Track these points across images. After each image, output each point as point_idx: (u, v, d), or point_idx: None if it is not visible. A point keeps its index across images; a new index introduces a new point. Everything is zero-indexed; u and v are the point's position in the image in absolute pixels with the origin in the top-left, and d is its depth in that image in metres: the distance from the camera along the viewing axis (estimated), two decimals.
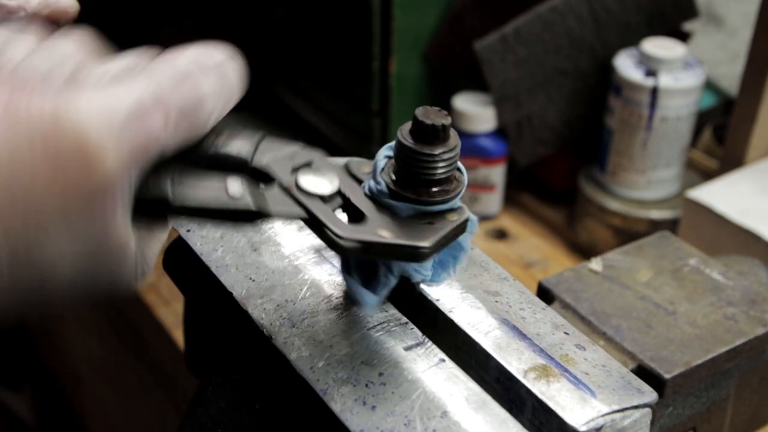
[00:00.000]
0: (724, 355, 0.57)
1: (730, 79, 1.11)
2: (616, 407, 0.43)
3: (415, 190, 0.43)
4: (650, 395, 0.44)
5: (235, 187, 0.41)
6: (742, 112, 0.90)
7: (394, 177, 0.44)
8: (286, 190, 0.42)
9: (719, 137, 1.06)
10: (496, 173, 1.02)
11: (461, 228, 0.44)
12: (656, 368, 0.55)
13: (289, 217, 0.42)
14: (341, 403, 0.42)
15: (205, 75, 0.39)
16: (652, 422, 0.44)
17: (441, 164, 0.43)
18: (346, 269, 0.46)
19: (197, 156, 0.42)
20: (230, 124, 0.44)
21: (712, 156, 1.05)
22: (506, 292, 0.49)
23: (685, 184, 0.98)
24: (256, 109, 0.47)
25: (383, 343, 0.45)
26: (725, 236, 0.84)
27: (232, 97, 0.41)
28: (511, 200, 1.07)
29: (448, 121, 0.43)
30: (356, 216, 0.43)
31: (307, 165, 0.44)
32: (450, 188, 0.44)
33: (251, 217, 0.41)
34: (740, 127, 0.90)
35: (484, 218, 1.04)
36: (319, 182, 0.43)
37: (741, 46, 1.08)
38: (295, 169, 0.43)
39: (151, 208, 0.40)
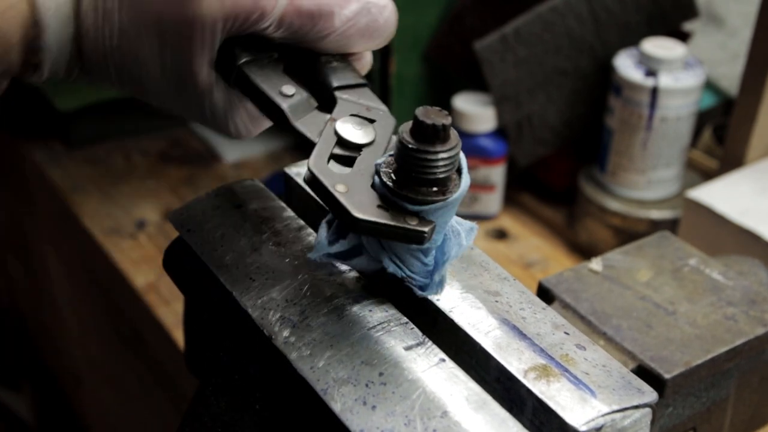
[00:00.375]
0: (724, 355, 0.57)
1: (730, 79, 1.11)
2: (616, 407, 0.43)
3: (414, 190, 0.43)
4: (650, 395, 0.44)
5: (289, 89, 0.47)
6: (742, 112, 0.90)
7: (394, 176, 0.44)
8: (326, 121, 0.46)
9: (719, 137, 1.06)
10: (496, 173, 1.02)
11: (413, 235, 0.43)
12: (656, 368, 0.55)
13: (302, 136, 0.46)
14: (341, 403, 0.42)
15: (349, 2, 0.46)
16: (652, 422, 0.44)
17: (441, 164, 0.43)
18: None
19: (301, 62, 0.47)
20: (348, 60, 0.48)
21: (712, 156, 1.05)
22: (506, 292, 0.49)
23: (685, 184, 0.98)
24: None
25: (383, 343, 0.45)
26: (725, 236, 0.84)
27: (371, 34, 0.47)
28: (511, 200, 1.07)
29: (448, 120, 0.43)
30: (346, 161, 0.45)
31: (369, 120, 0.46)
32: (450, 187, 0.44)
33: (278, 117, 0.46)
34: (740, 127, 0.90)
35: (484, 218, 1.04)
36: (354, 131, 0.45)
37: (741, 46, 1.08)
38: (353, 115, 0.46)
39: (223, 63, 0.46)
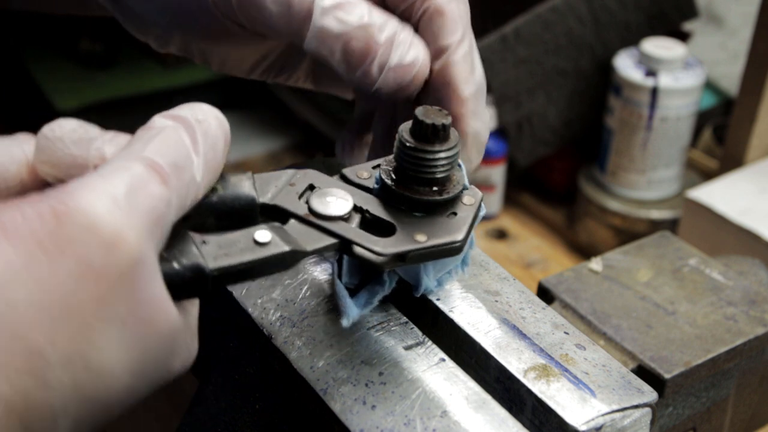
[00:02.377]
0: (724, 355, 0.57)
1: (730, 79, 1.11)
2: (616, 407, 0.43)
3: (414, 189, 0.43)
4: (650, 395, 0.44)
5: (261, 234, 0.39)
6: (742, 112, 0.90)
7: (393, 176, 0.44)
8: (305, 221, 0.41)
9: (719, 137, 1.06)
10: (496, 173, 1.02)
11: (479, 209, 0.44)
12: (656, 368, 0.55)
13: (323, 250, 0.41)
14: (341, 403, 0.42)
15: (183, 130, 0.38)
16: (652, 422, 0.44)
17: (441, 163, 0.43)
18: (338, 275, 0.46)
19: (206, 212, 0.41)
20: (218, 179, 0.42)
21: (712, 156, 1.05)
22: (506, 291, 0.49)
23: (685, 184, 0.98)
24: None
25: (383, 343, 0.45)
26: (725, 236, 0.84)
27: (217, 148, 0.40)
28: (511, 200, 1.07)
29: (448, 120, 0.43)
30: (381, 226, 0.42)
31: (311, 187, 0.43)
32: (449, 187, 0.44)
33: (290, 259, 0.40)
34: (740, 127, 0.90)
35: (484, 218, 1.04)
36: (333, 203, 0.42)
37: (741, 46, 1.08)
38: (301, 196, 0.42)
39: (187, 281, 0.38)
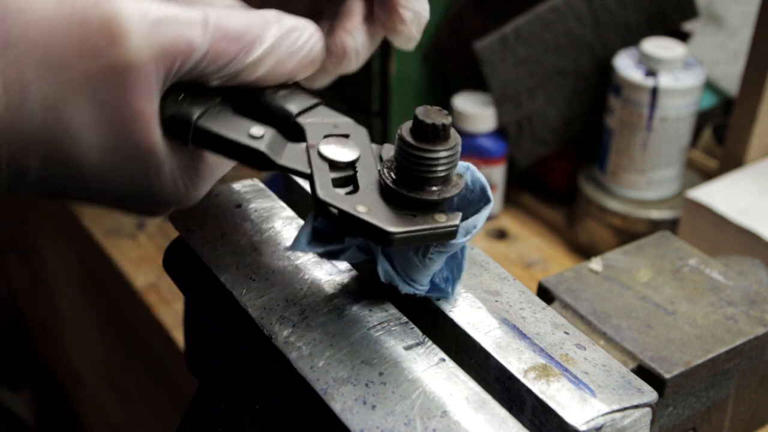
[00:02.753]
0: (724, 355, 0.57)
1: (730, 79, 1.11)
2: (616, 407, 0.43)
3: (414, 188, 0.43)
4: (650, 395, 0.44)
5: (257, 130, 0.44)
6: (742, 112, 0.90)
7: (393, 176, 0.44)
8: (306, 149, 0.44)
9: (719, 137, 1.06)
10: (496, 173, 1.02)
11: (446, 233, 0.43)
12: (656, 368, 0.55)
13: (292, 171, 0.44)
14: (341, 403, 0.42)
15: (269, 26, 0.43)
16: (652, 422, 0.44)
17: (441, 163, 0.43)
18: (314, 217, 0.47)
19: (249, 101, 0.45)
20: (294, 86, 0.46)
21: (712, 156, 1.05)
22: (506, 291, 0.49)
23: (685, 184, 0.98)
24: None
25: (383, 343, 0.45)
26: (725, 236, 0.84)
27: (297, 58, 0.44)
28: (511, 200, 1.07)
29: (448, 120, 0.43)
30: (354, 188, 0.44)
31: (343, 136, 0.45)
32: (449, 187, 0.44)
33: (259, 160, 0.43)
34: (740, 127, 0.90)
35: None
36: (339, 151, 0.44)
37: (741, 46, 1.08)
38: (327, 136, 0.45)
39: (174, 125, 0.43)
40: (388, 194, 0.44)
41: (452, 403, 0.42)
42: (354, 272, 0.49)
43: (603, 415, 0.42)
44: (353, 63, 0.53)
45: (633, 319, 0.58)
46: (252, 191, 0.56)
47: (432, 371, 0.44)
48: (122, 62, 0.39)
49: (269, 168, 0.44)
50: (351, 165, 0.44)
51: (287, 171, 0.44)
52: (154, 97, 0.41)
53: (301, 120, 0.45)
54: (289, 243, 0.52)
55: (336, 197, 0.42)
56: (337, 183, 0.44)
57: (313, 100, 0.47)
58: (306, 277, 0.49)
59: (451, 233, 0.43)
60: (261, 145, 0.43)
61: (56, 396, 1.65)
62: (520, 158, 1.02)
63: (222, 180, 0.51)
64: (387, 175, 0.44)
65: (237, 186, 0.56)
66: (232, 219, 0.53)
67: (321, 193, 0.42)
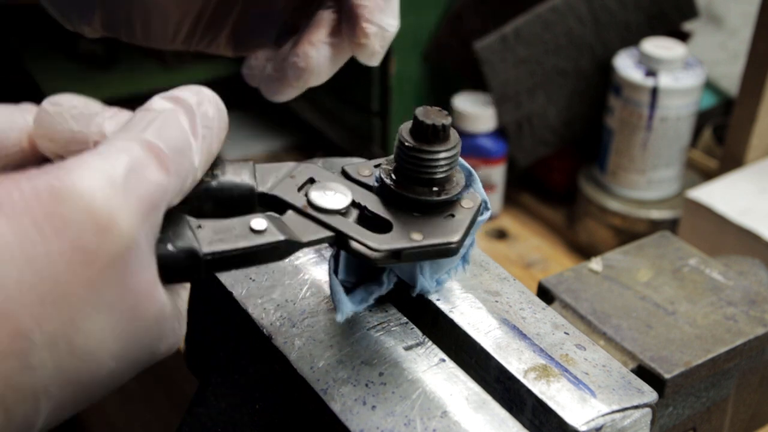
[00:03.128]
0: (724, 355, 0.57)
1: (730, 79, 1.11)
2: (616, 407, 0.43)
3: (414, 189, 0.43)
4: (650, 395, 0.44)
5: (258, 222, 0.39)
6: (742, 112, 0.90)
7: (393, 176, 0.44)
8: (302, 213, 0.41)
9: (719, 137, 1.06)
10: (496, 173, 1.02)
11: (478, 212, 0.44)
12: (656, 368, 0.55)
13: (318, 242, 0.41)
14: (341, 403, 0.42)
15: (183, 113, 0.38)
16: (652, 422, 0.44)
17: (441, 164, 0.43)
18: (335, 270, 0.46)
19: (204, 197, 0.40)
20: (218, 160, 0.42)
21: (712, 156, 1.05)
22: (506, 292, 0.49)
23: (685, 184, 0.98)
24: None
25: (383, 343, 0.45)
26: (725, 236, 0.84)
27: (214, 132, 0.40)
28: (511, 200, 1.07)
29: (448, 120, 0.43)
30: (379, 224, 0.42)
31: (311, 181, 0.43)
32: (450, 187, 0.44)
33: (284, 249, 0.40)
34: (740, 127, 0.90)
35: None
36: (332, 197, 0.42)
37: (741, 46, 1.08)
38: (301, 188, 0.42)
39: (181, 264, 0.37)
40: (388, 198, 0.44)
41: (452, 404, 0.42)
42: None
43: (603, 415, 0.42)
44: (315, 76, 0.51)
45: (633, 319, 0.58)
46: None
47: (432, 372, 0.44)
48: (119, 246, 0.34)
49: (292, 253, 0.40)
50: (352, 203, 0.43)
51: (314, 244, 0.41)
52: (152, 261, 0.36)
53: (262, 188, 0.42)
54: None
55: (389, 240, 0.41)
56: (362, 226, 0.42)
57: (248, 164, 0.43)
58: (306, 277, 0.49)
59: (455, 249, 0.43)
60: (277, 236, 0.39)
61: None
62: (520, 158, 1.02)
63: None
64: (387, 175, 0.44)
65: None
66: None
67: (375, 245, 0.41)
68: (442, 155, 0.43)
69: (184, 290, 0.40)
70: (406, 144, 0.43)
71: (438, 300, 0.48)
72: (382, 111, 1.00)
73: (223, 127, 0.40)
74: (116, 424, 1.35)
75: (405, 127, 0.43)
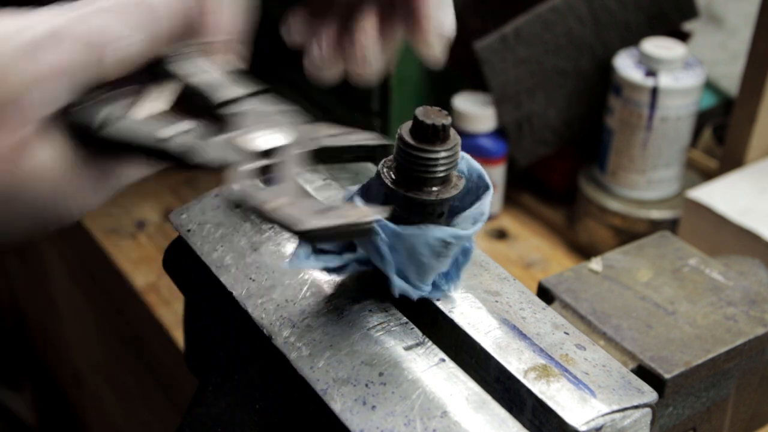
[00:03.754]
0: (724, 355, 0.57)
1: (730, 79, 1.11)
2: (616, 407, 0.43)
3: (413, 189, 0.43)
4: (650, 395, 0.44)
5: (167, 131, 0.40)
6: (742, 112, 0.90)
7: (393, 176, 0.44)
8: (228, 142, 0.40)
9: (719, 137, 1.06)
10: (496, 173, 1.02)
11: (363, 230, 0.41)
12: (656, 368, 0.55)
13: (207, 168, 0.40)
14: (341, 403, 0.42)
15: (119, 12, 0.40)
16: (652, 422, 0.44)
17: (441, 163, 0.43)
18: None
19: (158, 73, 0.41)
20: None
21: (712, 156, 1.05)
22: (506, 292, 0.49)
23: (685, 184, 0.98)
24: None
25: (383, 343, 0.45)
26: (725, 236, 0.84)
27: (156, 29, 0.41)
28: (511, 200, 1.07)
29: (448, 120, 0.43)
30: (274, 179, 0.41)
31: (272, 124, 0.41)
32: (448, 187, 0.44)
33: (171, 160, 0.40)
34: (740, 127, 0.90)
35: None
36: (261, 139, 0.41)
37: (741, 46, 1.08)
38: (253, 125, 0.41)
39: (76, 132, 0.40)
40: (388, 198, 0.44)
41: (452, 404, 0.42)
42: (354, 273, 0.49)
43: (603, 415, 0.42)
44: (370, 68, 0.52)
45: (633, 319, 0.58)
46: (251, 191, 0.55)
47: (432, 372, 0.44)
48: (4, 97, 0.38)
49: (187, 168, 0.41)
50: (271, 153, 0.41)
51: (203, 169, 0.40)
52: (32, 124, 0.39)
53: (225, 110, 0.41)
54: (288, 244, 0.52)
55: (247, 191, 0.39)
56: (257, 174, 0.40)
57: (258, 86, 0.43)
58: (306, 277, 0.49)
59: (369, 230, 0.42)
60: (175, 146, 0.40)
61: (56, 396, 1.65)
62: (520, 158, 1.02)
63: (222, 180, 0.50)
64: (387, 175, 0.44)
65: (237, 186, 0.56)
66: (231, 219, 0.53)
67: (235, 187, 0.39)
68: (442, 155, 0.43)
69: (125, 171, 0.43)
70: (406, 143, 0.43)
71: (438, 300, 0.48)
72: (382, 111, 1.00)
73: (166, 26, 0.41)
74: (116, 424, 1.36)
75: (405, 127, 0.44)
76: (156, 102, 0.41)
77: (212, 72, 0.42)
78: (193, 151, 0.40)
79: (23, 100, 0.38)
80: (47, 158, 0.40)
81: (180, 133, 0.40)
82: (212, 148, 0.40)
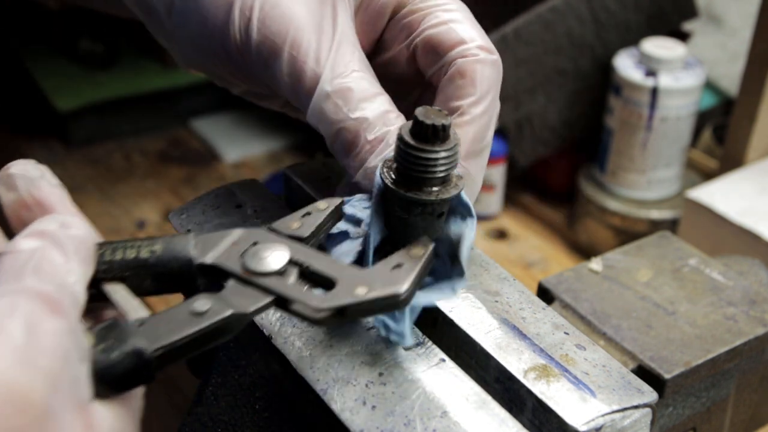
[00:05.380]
0: (724, 355, 0.57)
1: (730, 79, 1.11)
2: (616, 407, 0.43)
3: (413, 189, 0.43)
4: (650, 395, 0.44)
5: (200, 304, 0.38)
6: (742, 112, 0.90)
7: (393, 176, 0.44)
8: (243, 280, 0.40)
9: (719, 137, 1.06)
10: (496, 173, 1.02)
11: (430, 259, 0.42)
12: (656, 368, 0.55)
13: (262, 309, 0.39)
14: (341, 403, 0.42)
15: (52, 246, 0.37)
16: (652, 422, 0.44)
17: (440, 163, 0.43)
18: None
19: (143, 274, 0.40)
20: (156, 238, 0.42)
21: (712, 156, 1.05)
22: (506, 292, 0.49)
23: (685, 184, 0.98)
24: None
25: (383, 343, 0.45)
26: (725, 236, 0.84)
27: (87, 243, 0.39)
28: (511, 200, 1.07)
29: (448, 120, 0.43)
30: (321, 280, 0.40)
31: (253, 245, 0.41)
32: (448, 188, 0.44)
33: (233, 324, 0.38)
34: (740, 127, 0.90)
35: (484, 218, 1.04)
36: (268, 257, 0.40)
37: (741, 46, 1.08)
38: (243, 254, 0.41)
39: (129, 367, 0.36)
40: (387, 199, 0.44)
41: (452, 404, 0.42)
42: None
43: (603, 415, 0.42)
44: None
45: (633, 319, 0.58)
46: (252, 191, 0.56)
47: (432, 372, 0.44)
48: (39, 417, 0.33)
49: (243, 324, 0.39)
50: (291, 261, 0.41)
51: (258, 313, 0.39)
52: (77, 412, 0.35)
53: (202, 259, 0.41)
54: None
55: (331, 298, 0.39)
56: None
57: (189, 236, 0.42)
58: None
59: (432, 256, 0.42)
60: (222, 313, 0.38)
61: None
62: (520, 158, 1.02)
63: (222, 180, 0.50)
64: (387, 175, 0.44)
65: (237, 186, 0.56)
66: (231, 219, 0.53)
67: (317, 304, 0.39)
68: (442, 155, 0.43)
69: (136, 399, 0.39)
70: (407, 143, 0.43)
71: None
72: None
73: (91, 236, 0.40)
74: None
75: (405, 127, 0.44)
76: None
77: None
78: (237, 308, 0.39)
79: (56, 405, 0.33)
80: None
81: (209, 302, 0.38)
82: (244, 294, 0.39)
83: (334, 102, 0.47)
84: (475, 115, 0.48)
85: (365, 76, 0.48)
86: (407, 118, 0.46)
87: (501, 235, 1.04)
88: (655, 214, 0.96)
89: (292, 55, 0.47)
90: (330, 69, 0.47)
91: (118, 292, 0.40)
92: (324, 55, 0.47)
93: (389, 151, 0.47)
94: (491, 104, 0.49)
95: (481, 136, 0.48)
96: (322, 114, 0.48)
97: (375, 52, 0.53)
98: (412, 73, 0.52)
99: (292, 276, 0.40)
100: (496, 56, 0.49)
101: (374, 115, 0.47)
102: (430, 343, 0.46)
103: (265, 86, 0.51)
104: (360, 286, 0.39)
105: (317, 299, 0.39)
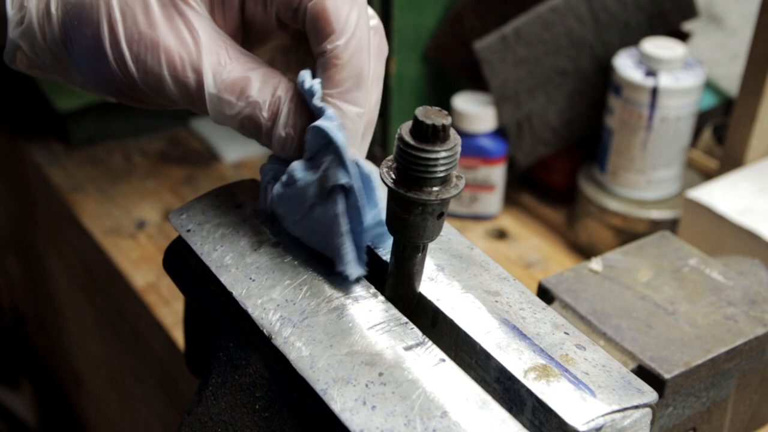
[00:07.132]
0: (724, 355, 0.57)
1: (730, 79, 1.11)
2: (616, 407, 0.43)
3: (413, 189, 0.43)
4: (650, 395, 0.44)
5: None
6: (742, 112, 0.90)
7: (394, 176, 0.44)
8: None
9: (719, 137, 1.06)
10: (496, 173, 1.02)
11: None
12: (656, 368, 0.55)
13: None
14: (341, 403, 0.42)
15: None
16: (652, 422, 0.44)
17: (440, 164, 0.43)
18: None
19: None
20: None
21: (712, 156, 1.05)
22: (506, 292, 0.49)
23: (685, 184, 0.98)
24: None
25: (383, 343, 0.45)
26: (725, 236, 0.84)
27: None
28: (511, 200, 1.07)
29: (448, 120, 0.43)
30: None
31: None
32: (448, 188, 0.44)
33: None
34: (740, 127, 0.90)
35: (484, 218, 1.04)
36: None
37: (741, 46, 1.08)
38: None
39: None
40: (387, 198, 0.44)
41: (452, 404, 0.42)
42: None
43: (603, 415, 0.42)
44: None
45: (633, 319, 0.58)
46: (252, 191, 0.56)
47: (432, 372, 0.44)
48: None
49: None
50: None
51: None
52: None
53: None
54: (288, 244, 0.52)
55: None
56: None
57: None
58: (306, 277, 0.49)
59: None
60: None
61: (56, 396, 1.65)
62: (520, 158, 1.02)
63: (222, 180, 0.51)
64: (387, 175, 0.44)
65: (237, 186, 0.56)
66: (231, 219, 0.53)
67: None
68: (442, 155, 0.43)
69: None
70: (406, 143, 0.43)
71: (438, 300, 0.48)
72: (382, 111, 1.00)
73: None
74: (116, 424, 1.36)
75: (405, 127, 0.44)
76: None
77: None
78: None
79: None
80: None
81: None
82: None
83: (223, 100, 0.49)
84: (340, 53, 0.49)
85: (239, 61, 0.50)
86: (305, 66, 0.50)
87: (501, 235, 1.04)
88: (655, 214, 0.96)
89: (173, 76, 0.49)
90: (208, 72, 0.49)
91: None
92: (196, 62, 0.49)
93: (290, 111, 0.49)
94: (357, 38, 0.50)
95: (357, 71, 0.50)
96: (220, 114, 0.50)
97: (246, 26, 0.54)
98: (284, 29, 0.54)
99: None
100: None
101: (260, 94, 0.49)
102: (430, 343, 0.46)
103: (173, 103, 0.53)
104: None
105: None
